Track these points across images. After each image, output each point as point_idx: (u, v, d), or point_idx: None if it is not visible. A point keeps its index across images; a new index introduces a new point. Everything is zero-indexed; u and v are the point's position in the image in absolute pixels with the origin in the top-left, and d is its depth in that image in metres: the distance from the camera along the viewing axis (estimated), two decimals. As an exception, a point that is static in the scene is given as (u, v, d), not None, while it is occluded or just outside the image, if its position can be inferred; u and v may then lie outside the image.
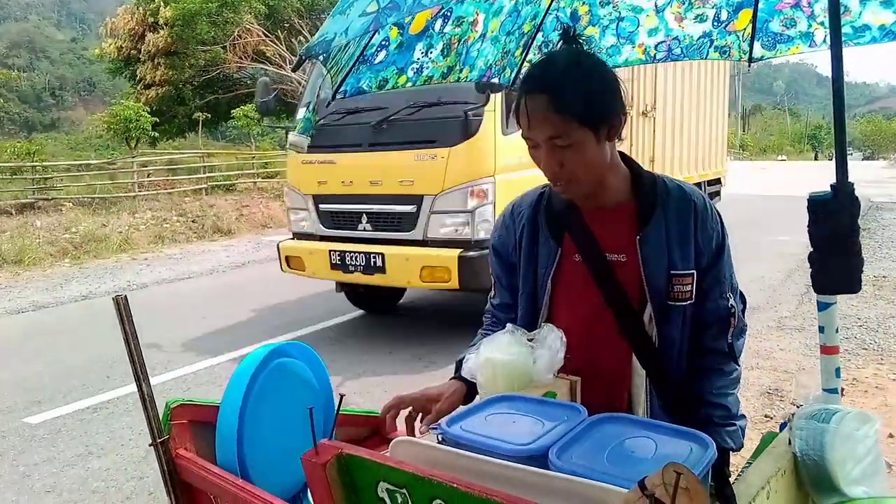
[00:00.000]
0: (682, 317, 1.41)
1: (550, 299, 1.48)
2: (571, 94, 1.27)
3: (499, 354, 1.35)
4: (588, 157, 1.32)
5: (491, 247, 1.60)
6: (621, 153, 1.45)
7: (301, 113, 6.03)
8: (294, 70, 18.79)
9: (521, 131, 1.36)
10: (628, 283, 1.41)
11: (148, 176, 16.33)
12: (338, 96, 1.42)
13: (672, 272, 1.40)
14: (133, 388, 4.52)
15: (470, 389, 1.42)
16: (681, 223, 1.40)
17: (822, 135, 73.30)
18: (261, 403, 1.29)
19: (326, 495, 0.94)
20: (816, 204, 1.18)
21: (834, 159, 1.20)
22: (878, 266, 8.89)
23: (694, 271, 1.40)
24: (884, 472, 1.06)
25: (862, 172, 28.41)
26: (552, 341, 1.35)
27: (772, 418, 4.11)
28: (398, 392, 1.47)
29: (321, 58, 1.22)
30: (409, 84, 1.54)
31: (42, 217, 12.57)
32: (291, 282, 8.64)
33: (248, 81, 25.21)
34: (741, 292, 1.53)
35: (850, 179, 1.17)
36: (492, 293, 1.64)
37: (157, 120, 18.65)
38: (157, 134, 19.48)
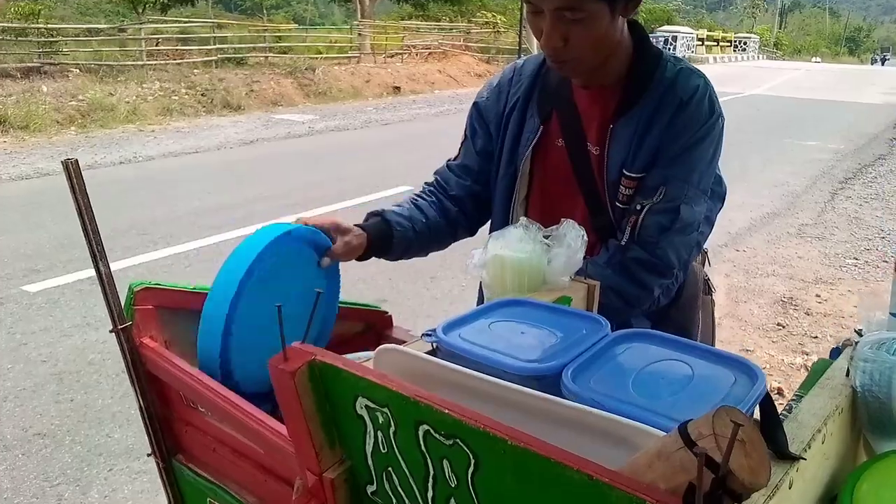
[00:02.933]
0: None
1: (529, 180, 1.34)
2: None
3: (508, 251, 1.18)
4: (598, 34, 1.12)
5: (475, 103, 1.42)
6: (633, 22, 1.23)
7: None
8: None
9: None
10: (599, 177, 1.26)
11: (157, 45, 15.73)
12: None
13: (623, 170, 1.22)
14: (136, 260, 4.43)
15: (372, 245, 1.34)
16: (656, 118, 1.20)
17: (860, 37, 69.87)
18: (259, 293, 1.12)
19: (297, 409, 0.79)
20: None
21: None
22: (907, 177, 8.56)
23: (644, 175, 1.22)
24: (957, 416, 0.90)
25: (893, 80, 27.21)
26: (572, 240, 1.17)
27: (784, 327, 4.01)
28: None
29: None
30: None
31: (48, 82, 12.20)
32: (299, 163, 8.45)
33: (262, -52, 23.88)
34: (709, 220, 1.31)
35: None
36: (456, 153, 1.48)
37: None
38: (165, 0, 18.60)
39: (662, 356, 0.85)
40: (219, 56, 15.77)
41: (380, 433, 0.77)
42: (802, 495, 0.75)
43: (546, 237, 1.21)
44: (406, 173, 7.60)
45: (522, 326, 0.95)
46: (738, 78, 23.94)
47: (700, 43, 36.32)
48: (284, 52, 17.62)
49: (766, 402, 0.78)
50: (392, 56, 20.87)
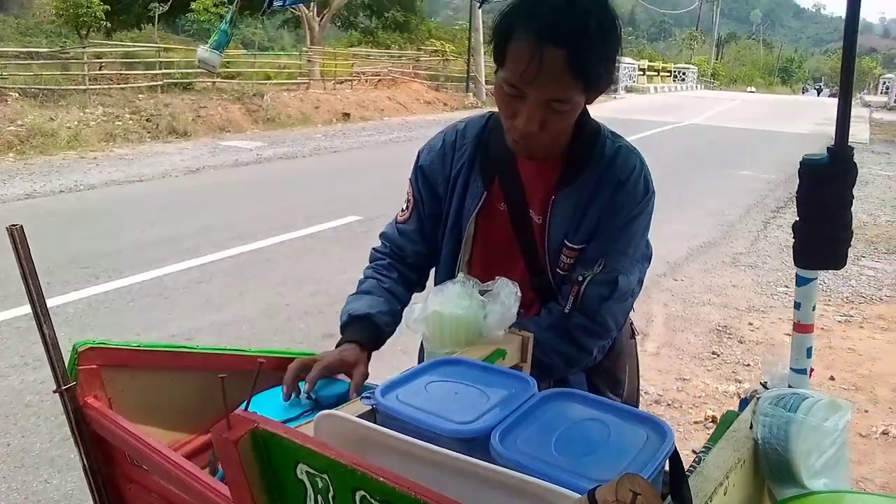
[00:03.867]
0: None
1: (472, 242, 1.41)
2: (593, 59, 1.11)
3: (447, 308, 1.24)
4: (571, 120, 1.21)
5: (420, 167, 1.45)
6: None
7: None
8: None
9: (501, 71, 1.17)
10: (541, 244, 1.35)
11: (100, 69, 15.43)
12: (276, 4, 1.22)
13: (565, 241, 1.32)
14: (76, 295, 4.32)
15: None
16: (597, 194, 1.29)
17: (792, 67, 73.20)
18: None
19: (240, 475, 0.83)
20: (810, 168, 1.06)
21: (836, 121, 1.07)
22: (835, 206, 9.00)
23: (585, 245, 1.32)
24: (846, 463, 1.00)
25: (826, 110, 28.60)
26: (506, 297, 1.24)
27: (718, 355, 4.17)
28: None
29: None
30: (364, -5, 1.35)
31: (-16, 107, 11.84)
32: (246, 192, 8.39)
33: (210, -28, 23.73)
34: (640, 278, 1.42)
35: (849, 144, 1.05)
36: (404, 215, 1.48)
37: (110, 8, 17.45)
38: (110, 24, 18.29)
39: (583, 415, 0.92)
40: (164, 80, 15.56)
41: (319, 497, 0.82)
42: (706, 544, 0.82)
43: (482, 293, 1.28)
44: (356, 203, 7.64)
45: (457, 387, 1.01)
46: (678, 108, 24.80)
47: (642, 73, 37.45)
48: (232, 77, 17.49)
49: (674, 459, 0.86)
50: (341, 82, 20.94)
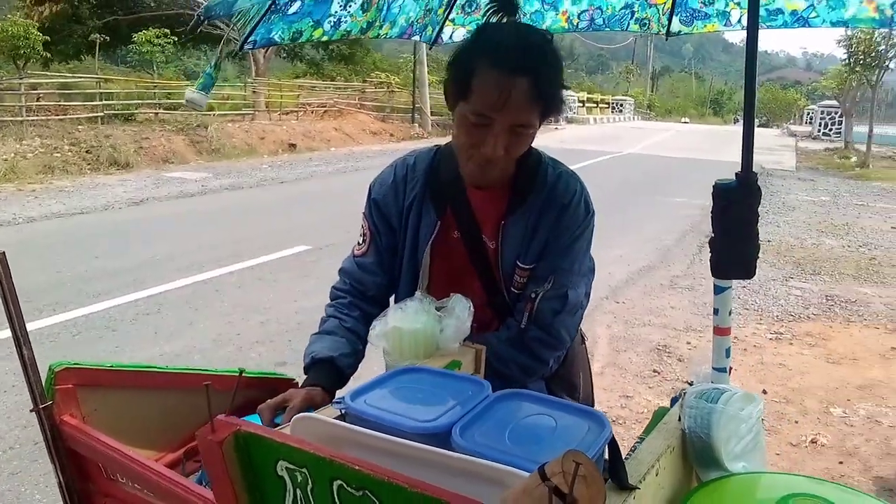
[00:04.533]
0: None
1: (430, 269, 1.50)
2: (551, 84, 1.24)
3: (406, 323, 1.35)
4: (529, 143, 1.32)
5: (374, 200, 1.53)
6: None
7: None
8: (190, 33, 17.55)
9: (465, 104, 1.27)
10: (495, 267, 1.46)
11: (38, 99, 15.08)
12: (246, 47, 1.33)
13: (518, 262, 1.44)
14: (17, 333, 4.13)
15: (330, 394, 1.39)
16: (543, 218, 1.42)
17: (723, 99, 76.44)
18: None
19: (223, 474, 0.91)
20: (721, 191, 1.21)
21: (741, 150, 1.24)
22: (763, 231, 9.43)
23: (535, 265, 1.44)
24: (762, 449, 1.13)
25: (756, 140, 29.92)
26: (460, 311, 1.35)
27: (659, 373, 4.35)
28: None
29: (222, 15, 1.14)
30: (325, 38, 1.46)
31: (-86, 138, 11.44)
32: (192, 223, 8.32)
33: (152, 3, 23.57)
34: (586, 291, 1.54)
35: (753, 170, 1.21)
36: (362, 249, 1.55)
37: (49, 39, 17.11)
38: (49, 54, 17.91)
39: (533, 412, 1.04)
40: (105, 112, 15.31)
41: (298, 490, 0.90)
42: (641, 518, 0.94)
43: (438, 309, 1.39)
44: (304, 232, 7.67)
45: (419, 391, 1.11)
46: (616, 138, 25.62)
47: (581, 105, 38.51)
48: (175, 108, 17.31)
49: (612, 446, 0.98)
50: (287, 113, 20.95)
